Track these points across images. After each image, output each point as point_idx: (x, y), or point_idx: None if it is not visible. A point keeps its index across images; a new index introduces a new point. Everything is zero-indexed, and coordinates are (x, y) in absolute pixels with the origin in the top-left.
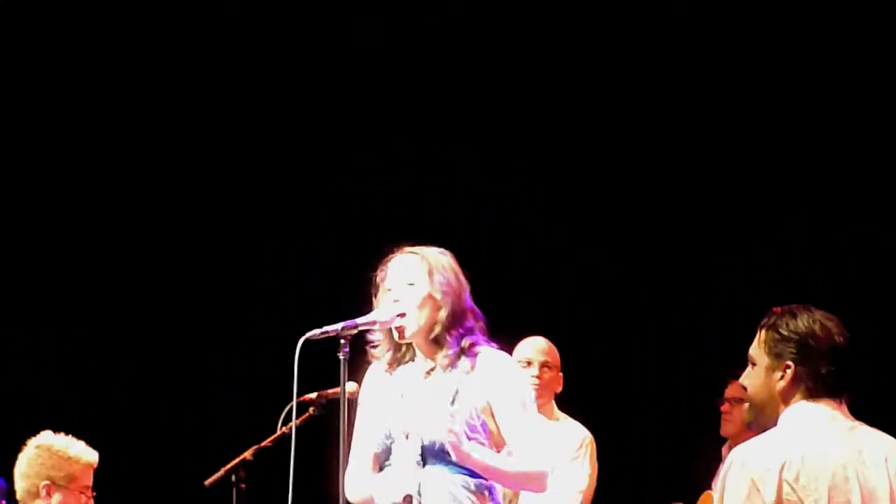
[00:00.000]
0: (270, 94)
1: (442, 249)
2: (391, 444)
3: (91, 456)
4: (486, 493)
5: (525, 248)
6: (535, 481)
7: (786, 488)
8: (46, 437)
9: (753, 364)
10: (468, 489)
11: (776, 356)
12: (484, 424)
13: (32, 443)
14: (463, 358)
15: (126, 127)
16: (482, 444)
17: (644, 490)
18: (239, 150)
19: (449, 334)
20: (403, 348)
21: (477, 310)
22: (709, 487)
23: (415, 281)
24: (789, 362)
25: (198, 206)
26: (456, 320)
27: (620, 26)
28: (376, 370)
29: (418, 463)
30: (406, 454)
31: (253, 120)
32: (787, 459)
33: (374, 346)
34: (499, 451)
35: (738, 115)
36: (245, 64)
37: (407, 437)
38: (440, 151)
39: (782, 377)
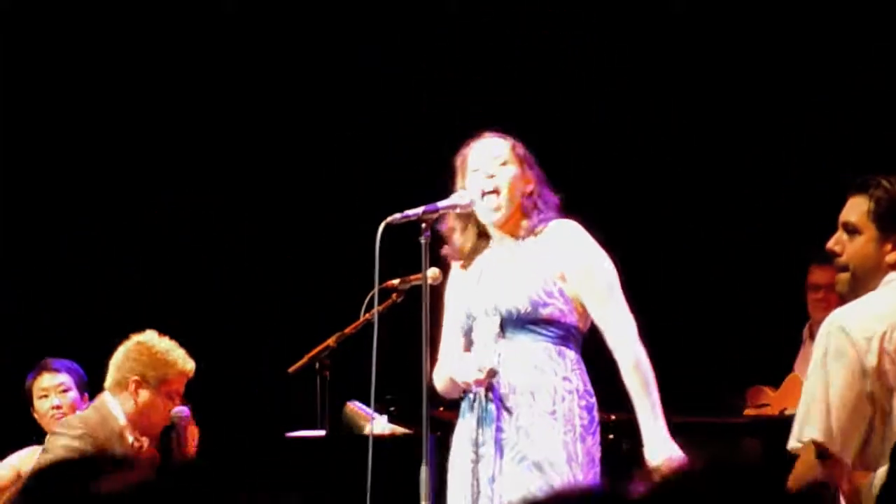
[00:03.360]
0: None
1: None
2: (473, 322)
3: (188, 365)
4: (566, 355)
5: None
6: (645, 368)
7: (886, 359)
8: (150, 336)
9: (855, 231)
10: (549, 355)
11: (888, 226)
12: (561, 291)
13: (135, 338)
14: (537, 229)
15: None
16: (561, 309)
17: (726, 375)
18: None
19: (536, 209)
20: (479, 237)
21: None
22: (791, 370)
23: (506, 160)
24: None
25: (280, 94)
26: (541, 197)
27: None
28: (456, 267)
29: (499, 335)
30: (488, 329)
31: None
32: (888, 328)
33: (447, 241)
34: (579, 316)
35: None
36: None
37: (486, 312)
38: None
39: (895, 248)
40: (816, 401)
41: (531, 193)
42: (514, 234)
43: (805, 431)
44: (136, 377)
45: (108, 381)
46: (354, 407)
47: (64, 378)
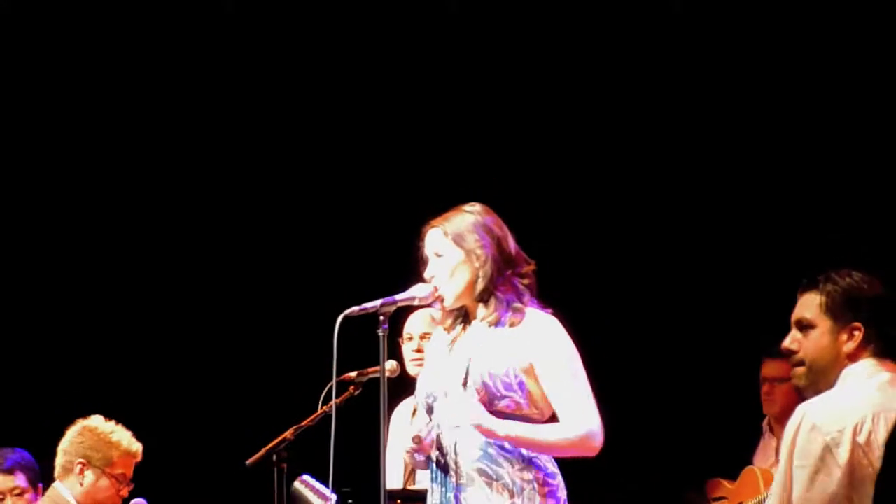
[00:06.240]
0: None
1: (471, 205)
2: (433, 402)
3: (133, 446)
4: (524, 454)
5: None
6: (581, 446)
7: (858, 452)
8: (95, 420)
9: (810, 327)
10: (502, 447)
11: (841, 317)
12: (522, 384)
13: (80, 423)
14: (509, 314)
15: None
16: (518, 402)
17: (682, 468)
18: (278, 125)
19: (497, 289)
20: (457, 311)
21: (523, 255)
22: (749, 463)
23: (442, 252)
24: (858, 323)
25: (239, 178)
26: (500, 272)
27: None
28: (437, 334)
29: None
30: (446, 413)
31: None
32: (858, 421)
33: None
34: (540, 413)
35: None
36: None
37: (446, 395)
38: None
39: (850, 338)
40: (772, 500)
41: (487, 275)
42: (485, 317)
43: None
44: (80, 459)
45: (57, 467)
46: (303, 485)
47: (19, 481)
